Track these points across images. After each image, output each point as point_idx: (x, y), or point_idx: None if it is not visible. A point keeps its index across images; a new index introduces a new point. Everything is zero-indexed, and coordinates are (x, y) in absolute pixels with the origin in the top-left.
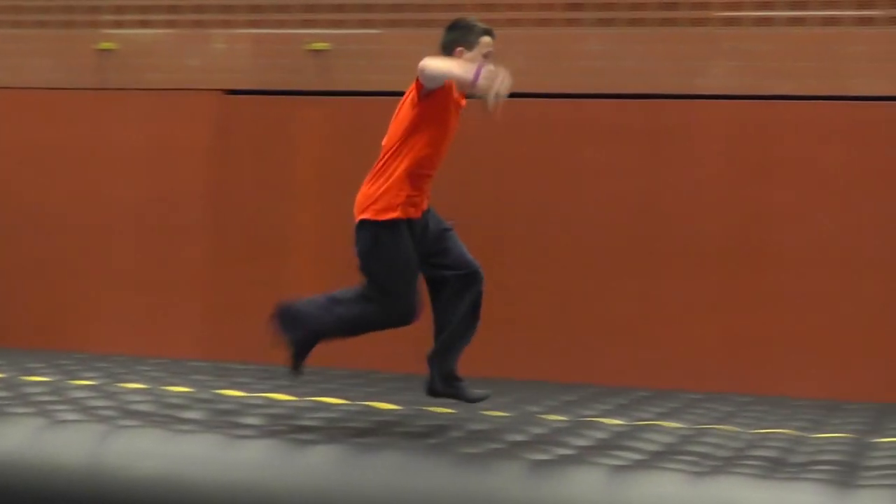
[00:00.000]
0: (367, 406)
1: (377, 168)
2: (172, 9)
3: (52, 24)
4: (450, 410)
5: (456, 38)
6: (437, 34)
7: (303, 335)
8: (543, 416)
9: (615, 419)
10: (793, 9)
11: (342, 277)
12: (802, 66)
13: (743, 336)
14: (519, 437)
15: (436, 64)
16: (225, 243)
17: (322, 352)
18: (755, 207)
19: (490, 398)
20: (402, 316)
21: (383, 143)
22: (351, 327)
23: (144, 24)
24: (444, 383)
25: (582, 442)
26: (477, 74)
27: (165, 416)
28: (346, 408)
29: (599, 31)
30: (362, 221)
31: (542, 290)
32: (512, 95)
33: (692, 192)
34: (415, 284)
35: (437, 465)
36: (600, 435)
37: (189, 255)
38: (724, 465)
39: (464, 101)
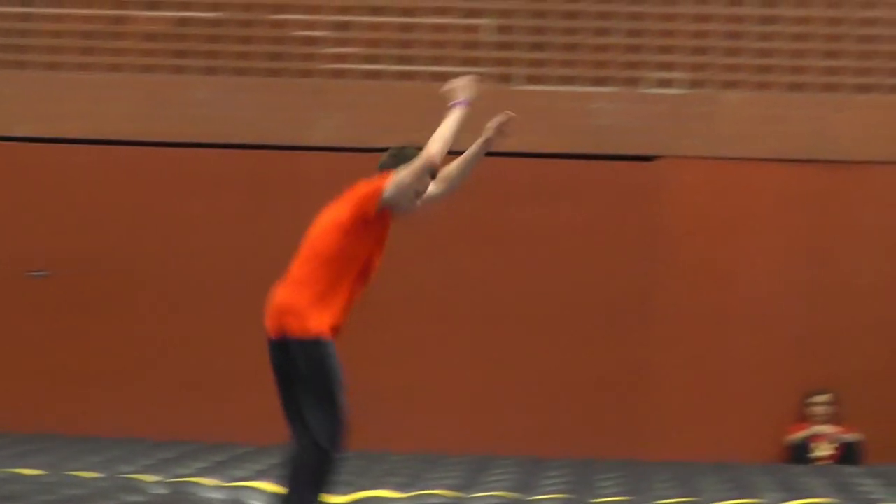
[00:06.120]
0: None
1: (319, 284)
2: None
3: None
4: (40, 472)
5: (395, 166)
6: (66, 77)
7: None
8: (138, 477)
9: (212, 479)
10: (401, 63)
11: None
12: (410, 120)
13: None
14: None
15: (434, 146)
16: None
17: None
18: None
19: None
20: (345, 423)
21: (313, 251)
22: (319, 470)
23: None
24: None
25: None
26: (465, 99)
27: None
28: None
29: (205, 78)
30: (317, 340)
31: (132, 342)
32: (112, 143)
33: (298, 243)
34: None
35: None
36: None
37: None
38: None
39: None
